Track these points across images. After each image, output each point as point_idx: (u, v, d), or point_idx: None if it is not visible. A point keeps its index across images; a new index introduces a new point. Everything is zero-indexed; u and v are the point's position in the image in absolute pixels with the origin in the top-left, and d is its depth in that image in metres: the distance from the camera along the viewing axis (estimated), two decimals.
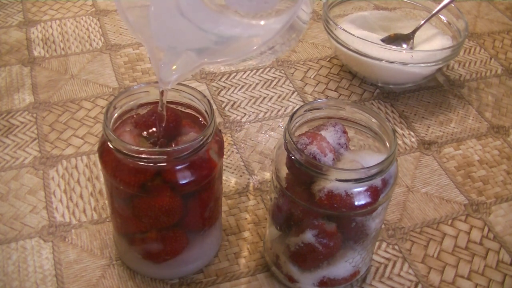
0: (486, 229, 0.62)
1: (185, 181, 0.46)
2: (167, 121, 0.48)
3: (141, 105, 0.51)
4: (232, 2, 0.44)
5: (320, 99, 0.77)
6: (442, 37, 0.81)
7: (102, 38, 0.87)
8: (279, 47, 0.43)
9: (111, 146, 0.46)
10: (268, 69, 0.82)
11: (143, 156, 0.45)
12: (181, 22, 0.44)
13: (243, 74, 0.81)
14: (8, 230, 0.59)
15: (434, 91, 0.80)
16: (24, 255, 0.57)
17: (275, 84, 0.80)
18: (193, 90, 0.50)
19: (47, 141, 0.69)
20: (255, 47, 0.41)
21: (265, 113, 0.75)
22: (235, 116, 0.74)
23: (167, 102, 0.50)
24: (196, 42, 0.45)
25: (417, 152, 0.71)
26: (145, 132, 0.49)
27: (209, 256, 0.56)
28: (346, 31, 0.75)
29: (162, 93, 0.46)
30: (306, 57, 0.86)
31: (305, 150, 0.46)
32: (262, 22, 0.44)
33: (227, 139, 0.70)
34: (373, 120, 0.49)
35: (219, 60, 0.43)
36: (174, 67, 0.44)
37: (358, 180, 0.44)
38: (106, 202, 0.61)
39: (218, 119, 0.73)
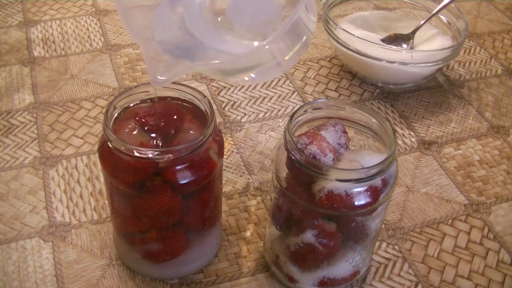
0: (486, 229, 0.62)
1: (185, 181, 0.46)
2: (169, 117, 0.48)
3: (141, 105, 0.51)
4: (233, 16, 0.43)
5: (320, 99, 0.77)
6: (442, 37, 0.81)
7: (102, 38, 0.87)
8: (285, 62, 0.42)
9: (111, 146, 0.46)
10: None
11: (143, 155, 0.45)
12: (182, 32, 0.44)
13: None
14: (8, 230, 0.59)
15: (434, 91, 0.80)
16: (24, 255, 0.57)
17: (275, 84, 0.80)
18: (193, 90, 0.50)
19: (47, 141, 0.69)
20: (251, 49, 0.40)
21: (265, 113, 0.75)
22: (235, 116, 0.74)
23: (170, 98, 0.50)
24: (197, 53, 0.44)
25: (417, 152, 0.71)
26: (146, 128, 0.49)
27: (209, 256, 0.56)
28: (346, 31, 0.75)
29: (154, 102, 0.46)
30: (306, 57, 0.86)
31: (305, 150, 0.46)
32: (265, 43, 0.43)
33: (227, 139, 0.70)
34: (373, 120, 0.49)
35: (212, 62, 0.42)
36: (170, 70, 0.44)
37: (358, 180, 0.44)
38: (106, 202, 0.61)
39: (218, 119, 0.73)
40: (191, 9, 0.44)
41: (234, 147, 0.70)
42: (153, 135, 0.48)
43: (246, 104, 0.76)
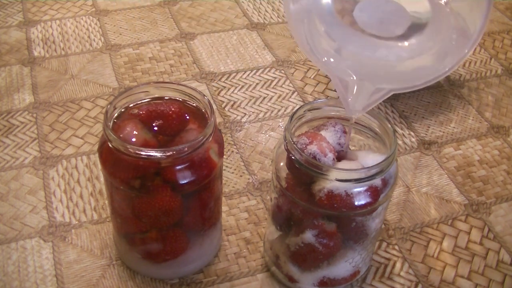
0: (486, 229, 0.62)
1: (185, 181, 0.46)
2: (172, 116, 0.48)
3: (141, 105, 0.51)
4: (364, 25, 0.45)
5: (320, 99, 0.77)
6: None
7: (102, 38, 0.87)
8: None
9: (111, 146, 0.46)
10: (268, 69, 0.82)
11: (142, 155, 0.45)
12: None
13: (243, 74, 0.81)
14: (8, 230, 0.59)
15: (434, 91, 0.80)
16: (24, 255, 0.57)
17: (275, 84, 0.80)
18: (193, 90, 0.50)
19: (47, 141, 0.69)
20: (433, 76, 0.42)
21: (265, 113, 0.75)
22: (235, 116, 0.74)
23: (169, 98, 0.50)
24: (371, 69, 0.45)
25: (417, 152, 0.71)
26: (147, 127, 0.49)
27: (209, 256, 0.56)
28: None
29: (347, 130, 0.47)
30: (306, 57, 0.86)
31: (305, 150, 0.46)
32: (406, 43, 0.44)
33: (227, 139, 0.70)
34: (373, 120, 0.49)
35: (393, 87, 0.44)
36: (362, 97, 0.45)
37: (358, 180, 0.44)
38: (106, 202, 0.61)
39: (218, 119, 0.73)
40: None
41: (234, 147, 0.70)
42: (154, 134, 0.48)
43: (246, 104, 0.76)
